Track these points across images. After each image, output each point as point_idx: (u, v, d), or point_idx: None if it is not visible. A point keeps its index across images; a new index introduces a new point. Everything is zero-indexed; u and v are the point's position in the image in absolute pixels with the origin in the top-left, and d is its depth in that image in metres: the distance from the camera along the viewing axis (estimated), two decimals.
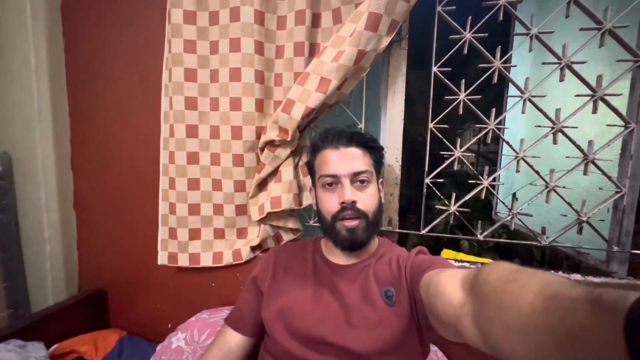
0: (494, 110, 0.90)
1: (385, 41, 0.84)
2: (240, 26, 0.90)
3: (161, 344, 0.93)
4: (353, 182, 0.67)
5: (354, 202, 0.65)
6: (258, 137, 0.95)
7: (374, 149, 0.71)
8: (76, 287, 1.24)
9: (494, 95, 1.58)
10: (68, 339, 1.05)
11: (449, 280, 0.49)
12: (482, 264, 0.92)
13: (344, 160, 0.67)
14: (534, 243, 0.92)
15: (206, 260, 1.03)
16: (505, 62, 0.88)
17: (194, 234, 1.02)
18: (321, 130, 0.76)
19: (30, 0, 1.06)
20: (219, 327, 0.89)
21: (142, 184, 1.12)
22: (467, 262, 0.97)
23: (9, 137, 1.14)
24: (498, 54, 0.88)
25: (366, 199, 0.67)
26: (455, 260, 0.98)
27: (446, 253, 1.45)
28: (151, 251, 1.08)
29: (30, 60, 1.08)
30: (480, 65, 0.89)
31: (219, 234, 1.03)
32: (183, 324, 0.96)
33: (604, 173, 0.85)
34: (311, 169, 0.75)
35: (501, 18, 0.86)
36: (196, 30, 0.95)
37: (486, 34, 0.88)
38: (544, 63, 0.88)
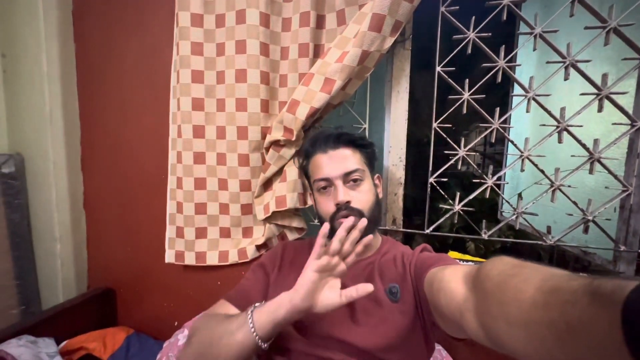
0: (498, 109, 0.91)
1: (389, 42, 0.85)
2: (245, 28, 0.92)
3: (168, 341, 0.95)
4: (346, 183, 0.68)
5: (348, 202, 0.66)
6: (263, 137, 0.96)
7: (363, 147, 0.72)
8: (85, 285, 1.26)
9: (499, 95, 1.58)
10: (77, 335, 1.07)
11: (453, 276, 0.50)
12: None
13: (334, 162, 0.68)
14: (540, 242, 0.91)
15: (212, 259, 1.04)
16: (509, 61, 0.88)
17: (201, 233, 1.04)
18: (309, 136, 0.77)
19: (43, 5, 1.09)
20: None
21: (150, 184, 1.14)
22: (473, 262, 0.97)
23: (21, 138, 1.17)
24: (502, 54, 0.89)
25: (360, 197, 0.68)
26: (461, 260, 0.98)
27: (452, 255, 1.44)
28: (158, 250, 1.10)
29: (42, 63, 1.11)
30: (484, 64, 0.90)
31: (225, 233, 1.04)
32: (189, 322, 0.97)
33: (610, 172, 0.84)
34: (306, 174, 0.76)
35: (505, 18, 0.86)
36: (203, 33, 0.97)
37: (489, 34, 0.88)
38: (548, 62, 0.88)
